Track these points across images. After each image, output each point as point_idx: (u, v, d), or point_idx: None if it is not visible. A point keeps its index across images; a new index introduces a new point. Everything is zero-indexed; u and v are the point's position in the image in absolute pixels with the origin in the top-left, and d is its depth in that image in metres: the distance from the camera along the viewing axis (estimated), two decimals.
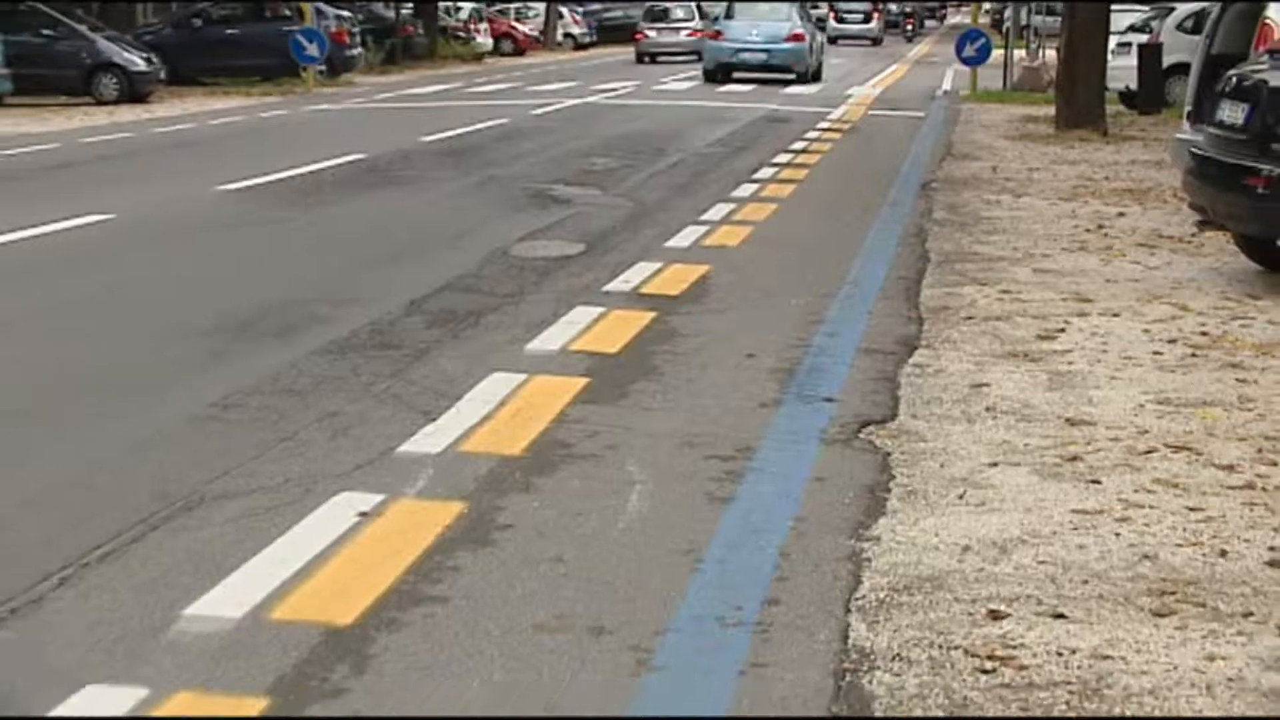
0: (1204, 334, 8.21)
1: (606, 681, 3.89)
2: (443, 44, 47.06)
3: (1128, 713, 3.72)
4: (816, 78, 36.09)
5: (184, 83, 31.03)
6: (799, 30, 35.80)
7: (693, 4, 49.86)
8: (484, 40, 51.42)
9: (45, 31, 28.62)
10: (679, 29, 47.65)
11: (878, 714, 3.71)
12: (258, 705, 3.71)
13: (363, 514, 5.09)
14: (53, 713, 3.63)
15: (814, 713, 3.71)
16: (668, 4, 50.21)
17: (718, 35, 36.43)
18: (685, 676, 3.93)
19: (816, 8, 50.85)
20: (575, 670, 3.95)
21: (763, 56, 35.03)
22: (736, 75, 35.18)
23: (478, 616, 4.29)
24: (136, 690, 3.77)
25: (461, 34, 50.54)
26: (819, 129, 22.05)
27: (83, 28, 29.13)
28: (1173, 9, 26.03)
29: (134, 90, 28.22)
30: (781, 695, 3.80)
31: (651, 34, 48.00)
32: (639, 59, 46.57)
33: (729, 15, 37.12)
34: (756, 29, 35.28)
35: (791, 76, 34.85)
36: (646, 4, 52.49)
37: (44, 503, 5.32)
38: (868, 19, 66.25)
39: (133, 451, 5.96)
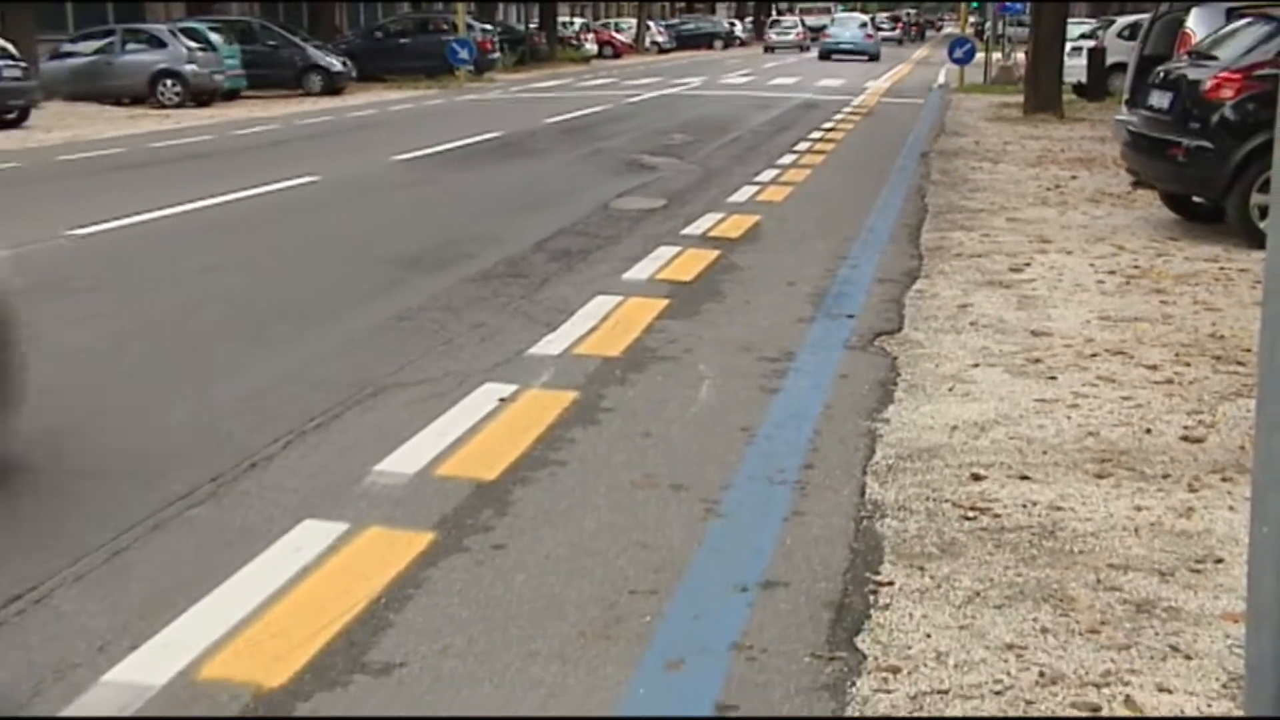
0: (1136, 267, 8.06)
1: (684, 524, 3.88)
2: (560, 50, 46.75)
3: (1076, 549, 3.68)
4: (879, 58, 46.33)
5: (369, 79, 31.01)
6: (870, 33, 49.33)
7: (797, 17, 66.25)
8: (590, 46, 51.15)
9: (270, 42, 28.86)
10: (789, 32, 59.76)
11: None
12: (426, 539, 3.74)
13: (502, 399, 5.12)
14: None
15: (840, 548, 3.69)
16: (782, 18, 66.69)
17: (826, 35, 49.31)
18: (743, 521, 3.92)
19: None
20: (661, 515, 3.95)
21: (850, 46, 47.23)
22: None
23: (588, 476, 4.30)
24: (340, 525, 3.82)
25: (574, 42, 50.28)
26: (843, 112, 21.72)
27: (296, 38, 29.27)
28: (1113, 21, 25.45)
29: (333, 85, 28.38)
30: (815, 535, 3.78)
31: (773, 36, 59.48)
32: (766, 50, 56.80)
33: (832, 25, 51.02)
34: (848, 31, 49.06)
35: (865, 58, 45.83)
36: (770, 17, 68.94)
37: (273, 389, 5.38)
38: (893, 28, 74.75)
39: (334, 352, 6.01)
